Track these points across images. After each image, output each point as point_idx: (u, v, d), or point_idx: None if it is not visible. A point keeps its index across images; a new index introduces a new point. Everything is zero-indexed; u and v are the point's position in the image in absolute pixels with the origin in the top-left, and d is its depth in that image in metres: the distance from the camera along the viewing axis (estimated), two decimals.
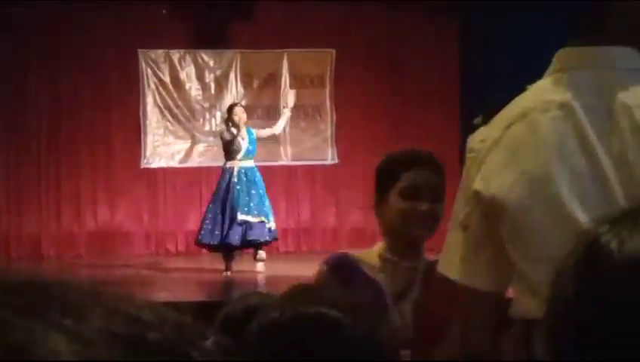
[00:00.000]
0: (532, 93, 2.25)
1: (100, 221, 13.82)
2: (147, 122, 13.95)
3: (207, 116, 14.06)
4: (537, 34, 12.46)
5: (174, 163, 13.94)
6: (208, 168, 13.87)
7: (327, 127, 14.19)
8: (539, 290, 2.05)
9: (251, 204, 11.17)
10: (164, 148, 13.95)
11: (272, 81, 14.15)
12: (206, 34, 13.85)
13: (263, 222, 11.17)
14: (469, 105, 12.81)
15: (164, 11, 13.58)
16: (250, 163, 11.37)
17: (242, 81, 14.11)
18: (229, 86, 14.09)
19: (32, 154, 13.62)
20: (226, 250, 11.26)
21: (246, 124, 11.42)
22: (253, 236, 11.13)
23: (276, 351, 1.70)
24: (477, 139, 2.28)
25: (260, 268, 11.29)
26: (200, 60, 14.05)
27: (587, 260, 1.17)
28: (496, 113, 2.28)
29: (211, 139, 13.89)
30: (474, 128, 2.32)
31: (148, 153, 13.95)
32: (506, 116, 2.24)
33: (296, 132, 14.01)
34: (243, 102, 13.86)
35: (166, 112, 13.98)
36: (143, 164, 13.94)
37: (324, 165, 14.02)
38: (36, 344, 0.69)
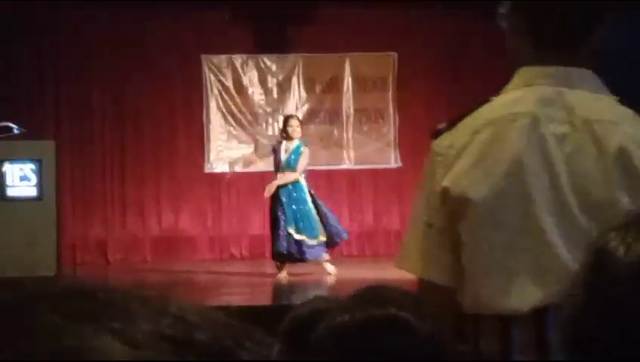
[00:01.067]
0: (497, 105, 2.43)
1: (165, 226, 13.92)
2: (210, 127, 14.03)
3: (270, 121, 14.10)
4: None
5: (238, 167, 13.99)
6: (271, 173, 13.91)
7: (390, 131, 14.16)
8: (482, 287, 2.31)
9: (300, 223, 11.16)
10: (228, 152, 14.01)
11: (334, 84, 14.16)
12: (268, 39, 13.90)
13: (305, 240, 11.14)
14: None
15: (226, 17, 13.64)
16: (293, 176, 11.23)
17: (305, 86, 14.14)
18: (292, 90, 14.13)
19: (97, 160, 13.76)
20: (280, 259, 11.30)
21: (302, 136, 11.41)
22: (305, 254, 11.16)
23: (347, 354, 1.70)
24: (444, 144, 2.43)
25: (331, 271, 11.28)
26: (262, 65, 14.10)
27: (595, 267, 1.20)
28: (460, 120, 2.46)
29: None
30: (438, 133, 2.47)
31: (212, 158, 14.02)
32: (473, 124, 2.40)
33: (359, 136, 14.00)
34: (306, 107, 13.92)
35: (229, 117, 14.04)
36: (207, 169, 14.02)
37: (387, 169, 13.99)
38: (88, 347, 0.70)
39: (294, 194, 11.13)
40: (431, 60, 13.95)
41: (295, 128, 11.28)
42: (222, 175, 13.88)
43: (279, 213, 11.09)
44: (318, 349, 1.75)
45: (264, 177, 13.85)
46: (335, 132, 14.00)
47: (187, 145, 13.96)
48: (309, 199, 11.21)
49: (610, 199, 2.23)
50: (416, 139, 13.84)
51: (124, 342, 0.71)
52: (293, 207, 11.09)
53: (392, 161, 14.06)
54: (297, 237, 11.03)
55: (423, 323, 1.73)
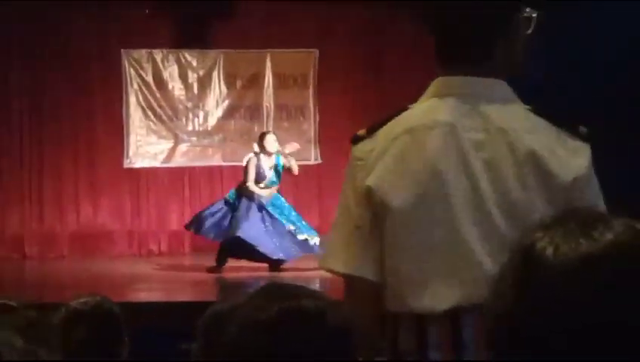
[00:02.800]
0: (415, 113, 2.51)
1: (83, 220, 13.78)
2: (130, 122, 13.93)
3: (190, 116, 14.04)
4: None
5: (157, 163, 13.91)
6: (191, 168, 13.87)
7: (311, 128, 14.19)
8: (400, 286, 2.41)
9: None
10: (147, 147, 13.92)
11: (255, 81, 14.15)
12: (189, 33, 13.82)
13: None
14: None
15: (146, 11, 13.55)
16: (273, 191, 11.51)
17: (225, 81, 14.09)
18: (212, 86, 14.08)
19: (14, 154, 13.56)
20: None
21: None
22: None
23: (261, 349, 1.70)
24: (365, 149, 2.53)
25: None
26: (183, 60, 14.03)
27: (524, 266, 1.22)
28: (379, 127, 2.55)
29: (194, 139, 13.90)
30: (358, 139, 2.58)
31: (131, 153, 13.92)
32: (392, 131, 2.50)
33: (279, 132, 13.99)
34: (226, 103, 13.91)
35: (149, 112, 13.95)
36: (126, 164, 13.91)
37: (307, 165, 14.02)
38: None
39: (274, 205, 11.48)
40: (352, 58, 13.99)
41: (273, 143, 11.48)
42: (141, 170, 13.81)
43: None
44: (232, 345, 1.76)
45: (183, 172, 13.83)
46: (255, 128, 13.96)
47: (107, 140, 13.82)
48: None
49: (527, 203, 2.33)
50: (337, 136, 13.90)
51: None
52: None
53: (312, 157, 14.09)
54: (300, 237, 11.34)
55: (337, 314, 1.74)
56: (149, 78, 13.94)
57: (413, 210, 2.39)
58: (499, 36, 2.46)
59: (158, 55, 13.97)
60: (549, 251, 1.20)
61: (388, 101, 13.85)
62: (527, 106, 2.49)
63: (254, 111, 14.04)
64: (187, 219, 12.93)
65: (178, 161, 13.94)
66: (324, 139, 14.01)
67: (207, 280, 11.07)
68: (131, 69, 13.91)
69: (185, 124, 14.02)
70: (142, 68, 13.93)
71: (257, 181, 11.37)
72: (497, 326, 1.23)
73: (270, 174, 11.40)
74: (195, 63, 14.06)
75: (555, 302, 1.17)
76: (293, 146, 11.93)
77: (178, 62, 14.01)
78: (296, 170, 11.63)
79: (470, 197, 2.36)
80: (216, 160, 13.83)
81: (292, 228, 11.41)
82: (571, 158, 2.39)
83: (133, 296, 9.99)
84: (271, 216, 11.38)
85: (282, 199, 11.70)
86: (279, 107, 14.09)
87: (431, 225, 2.38)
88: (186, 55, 14.03)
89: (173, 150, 13.93)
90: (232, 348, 1.76)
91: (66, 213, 13.75)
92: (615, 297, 1.15)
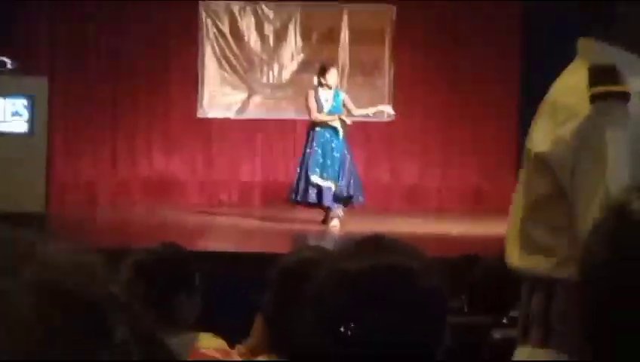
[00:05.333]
0: None
1: (155, 169, 13.89)
2: (205, 72, 13.98)
3: (265, 69, 14.05)
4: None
5: (231, 114, 13.95)
6: (264, 120, 13.89)
7: (385, 84, 14.12)
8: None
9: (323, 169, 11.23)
10: (221, 98, 13.97)
11: (331, 35, 14.10)
12: None
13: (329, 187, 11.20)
14: (527, 80, 12.67)
15: None
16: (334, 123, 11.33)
17: (301, 35, 14.07)
18: (288, 39, 14.06)
19: (91, 101, 13.66)
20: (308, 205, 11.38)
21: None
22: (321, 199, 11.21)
23: (349, 300, 1.67)
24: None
25: (333, 225, 11.26)
26: (260, 12, 14.02)
27: (618, 225, 1.21)
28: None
29: (268, 91, 13.90)
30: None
31: (205, 103, 13.99)
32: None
33: (353, 87, 13.95)
34: (301, 56, 13.87)
35: (224, 63, 13.98)
36: (200, 114, 13.98)
37: (380, 122, 13.96)
38: None
39: (332, 142, 11.28)
40: (430, 17, 13.87)
41: (334, 76, 11.44)
42: (214, 120, 13.87)
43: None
44: (320, 295, 1.72)
45: (257, 125, 13.85)
46: None
47: (181, 90, 13.89)
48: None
49: None
50: (411, 94, 13.84)
51: None
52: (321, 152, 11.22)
53: (385, 114, 14.02)
54: (320, 182, 11.14)
55: (427, 275, 1.72)
56: (226, 29, 13.96)
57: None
58: None
59: (235, 6, 13.98)
60: None
61: (464, 64, 13.76)
62: None
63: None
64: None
65: (251, 113, 13.96)
66: (397, 97, 13.93)
67: (278, 231, 11.12)
68: (208, 20, 13.94)
69: (259, 77, 14.03)
70: (219, 19, 13.95)
71: (318, 111, 11.35)
72: (586, 282, 1.22)
73: (329, 105, 11.32)
74: (271, 16, 14.04)
75: None
76: (385, 108, 11.98)
77: (255, 14, 14.00)
78: (354, 112, 11.53)
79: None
80: (289, 113, 13.80)
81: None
82: None
83: (203, 244, 10.06)
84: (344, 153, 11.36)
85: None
86: (354, 62, 14.02)
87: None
88: (264, 7, 14.02)
89: (247, 102, 13.96)
90: (312, 301, 1.74)
91: (138, 161, 13.86)
92: None
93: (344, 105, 11.40)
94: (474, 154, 13.44)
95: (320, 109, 11.22)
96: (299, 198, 11.22)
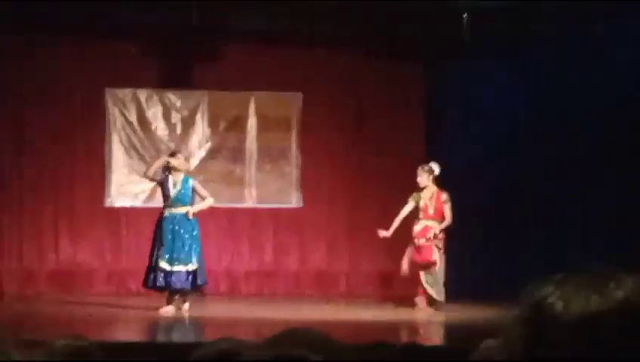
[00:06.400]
0: None
1: (62, 258, 13.71)
2: (112, 161, 13.90)
3: None
4: (501, 80, 12.66)
5: (138, 203, 13.88)
6: None
7: (293, 171, 14.18)
8: None
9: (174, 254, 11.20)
10: (129, 186, 13.89)
11: (238, 123, 14.15)
12: (174, 74, 13.86)
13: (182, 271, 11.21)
14: (434, 153, 12.88)
15: (132, 50, 13.57)
16: (181, 209, 11.36)
17: (209, 122, 14.10)
18: (196, 127, 14.08)
19: None
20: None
21: (187, 173, 11.54)
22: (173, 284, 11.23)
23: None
24: None
25: (185, 311, 11.29)
26: (167, 100, 14.04)
27: (534, 319, 1.22)
28: None
29: None
30: None
31: (112, 192, 13.90)
32: None
33: (262, 175, 14.01)
34: (209, 144, 13.90)
35: (132, 152, 13.93)
36: (107, 203, 13.88)
37: (288, 208, 14.01)
38: None
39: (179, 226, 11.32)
40: (336, 102, 14.03)
41: (175, 164, 11.41)
42: (121, 209, 13.77)
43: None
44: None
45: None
46: (238, 170, 13.98)
47: (88, 179, 13.79)
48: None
49: None
50: (319, 180, 13.92)
51: None
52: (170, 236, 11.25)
53: (294, 201, 14.09)
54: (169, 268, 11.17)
55: None
56: (133, 118, 13.94)
57: None
58: None
59: (142, 95, 13.98)
60: (559, 306, 1.21)
61: (370, 146, 13.91)
62: None
63: (237, 153, 14.04)
64: None
65: (159, 201, 13.88)
66: (305, 183, 14.00)
67: (185, 321, 11.01)
68: (115, 108, 13.91)
69: None
70: (125, 107, 13.93)
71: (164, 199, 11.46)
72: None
73: (174, 193, 11.36)
74: (178, 104, 14.07)
75: (562, 356, 1.18)
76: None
77: (162, 102, 14.02)
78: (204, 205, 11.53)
79: None
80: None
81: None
82: None
83: (109, 335, 9.92)
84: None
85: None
86: (262, 149, 14.09)
87: None
88: (170, 95, 14.04)
89: (154, 189, 13.89)
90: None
91: (45, 250, 13.68)
92: (622, 355, 1.16)
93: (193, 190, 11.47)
94: (381, 238, 13.55)
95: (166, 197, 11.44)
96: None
